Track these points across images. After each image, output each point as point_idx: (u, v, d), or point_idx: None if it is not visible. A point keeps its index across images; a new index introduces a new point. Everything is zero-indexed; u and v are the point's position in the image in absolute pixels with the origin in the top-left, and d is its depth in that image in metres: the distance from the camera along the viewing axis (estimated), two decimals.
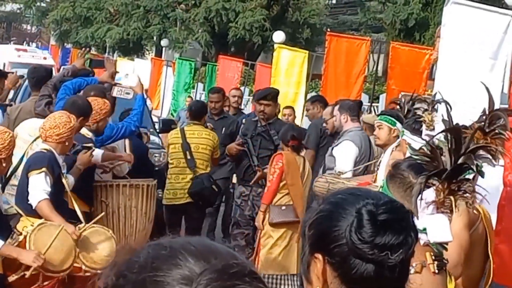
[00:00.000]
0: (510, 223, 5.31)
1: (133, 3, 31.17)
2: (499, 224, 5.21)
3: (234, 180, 9.44)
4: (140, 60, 29.78)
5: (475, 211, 3.99)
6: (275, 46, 15.07)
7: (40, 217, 5.40)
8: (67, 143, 5.75)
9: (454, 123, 3.17)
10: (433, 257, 2.72)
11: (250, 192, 8.34)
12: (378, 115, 6.87)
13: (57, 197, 5.57)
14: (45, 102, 7.26)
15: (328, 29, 18.78)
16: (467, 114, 5.21)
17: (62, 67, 19.10)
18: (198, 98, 18.63)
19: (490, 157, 3.05)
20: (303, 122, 12.43)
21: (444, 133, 2.97)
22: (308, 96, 12.80)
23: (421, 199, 2.73)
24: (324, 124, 8.29)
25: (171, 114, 20.51)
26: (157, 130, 11.75)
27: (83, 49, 8.92)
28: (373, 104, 15.55)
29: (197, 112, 8.76)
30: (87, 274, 5.37)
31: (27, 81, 9.39)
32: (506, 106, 7.24)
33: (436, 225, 2.71)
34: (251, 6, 28.54)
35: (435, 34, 13.41)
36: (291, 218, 7.25)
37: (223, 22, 28.69)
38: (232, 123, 9.27)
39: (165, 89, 22.49)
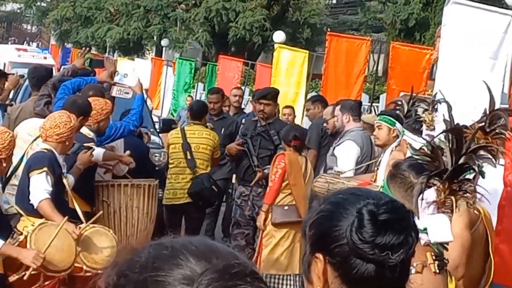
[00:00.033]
0: (511, 223, 5.31)
1: (133, 3, 31.17)
2: (499, 224, 5.21)
3: (233, 180, 9.44)
4: (141, 60, 29.78)
5: (475, 211, 3.99)
6: (275, 46, 15.06)
7: (40, 216, 5.40)
8: (67, 143, 5.75)
9: (455, 123, 3.18)
10: (434, 257, 2.72)
11: (250, 192, 8.33)
12: (377, 115, 6.87)
13: (58, 197, 5.58)
14: (44, 101, 7.27)
15: (328, 29, 18.77)
16: (467, 114, 5.22)
17: (62, 66, 19.09)
18: (198, 98, 18.62)
19: (491, 157, 3.05)
20: (303, 122, 12.42)
21: (445, 133, 2.97)
22: (308, 96, 12.79)
23: (422, 199, 2.73)
24: (325, 124, 8.30)
25: (171, 114, 20.51)
26: (157, 130, 11.75)
27: (83, 48, 8.93)
28: (373, 104, 15.55)
29: (198, 112, 8.75)
30: (88, 274, 5.37)
31: (27, 81, 9.42)
32: (507, 106, 7.24)
33: (437, 225, 2.71)
34: (251, 6, 28.54)
35: (436, 34, 13.40)
36: (294, 218, 7.25)
37: (223, 22, 28.69)
38: (231, 123, 9.27)
39: (165, 89, 22.48)
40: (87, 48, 9.56)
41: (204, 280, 1.20)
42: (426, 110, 5.01)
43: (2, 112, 8.40)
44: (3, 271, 5.07)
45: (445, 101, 4.14)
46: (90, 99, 6.57)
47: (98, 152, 6.53)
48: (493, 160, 3.08)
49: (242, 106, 11.45)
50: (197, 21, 29.18)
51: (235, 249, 1.35)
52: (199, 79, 23.75)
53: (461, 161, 2.83)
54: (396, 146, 5.91)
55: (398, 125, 6.04)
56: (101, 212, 6.18)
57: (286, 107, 10.70)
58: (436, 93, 5.83)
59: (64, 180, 5.75)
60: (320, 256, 1.86)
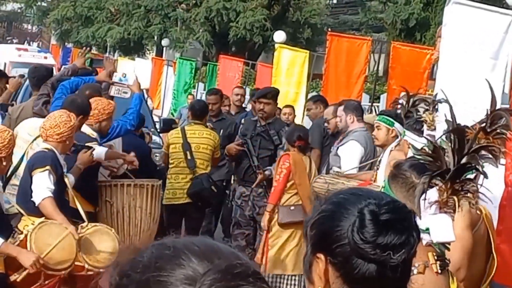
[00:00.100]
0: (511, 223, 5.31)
1: (134, 3, 31.18)
2: (500, 224, 5.21)
3: (231, 181, 9.42)
4: (141, 60, 29.79)
5: (477, 211, 3.99)
6: (276, 46, 15.06)
7: (41, 216, 5.40)
8: (67, 142, 5.75)
9: (457, 123, 3.17)
10: (436, 257, 2.72)
11: (250, 192, 8.33)
12: (377, 115, 6.89)
13: (59, 196, 5.58)
14: (42, 101, 7.28)
15: (329, 29, 18.76)
16: (468, 114, 5.21)
17: (63, 66, 19.09)
18: (198, 98, 18.61)
19: (493, 157, 3.05)
20: (303, 122, 12.42)
21: (447, 133, 2.97)
22: (309, 96, 12.79)
23: (424, 199, 2.73)
24: (326, 124, 8.30)
25: (171, 113, 20.50)
26: (158, 130, 11.75)
27: (84, 48, 8.94)
28: (374, 104, 15.56)
29: (200, 112, 8.71)
30: (90, 273, 5.38)
31: (27, 80, 9.44)
32: (507, 106, 7.24)
33: (439, 225, 2.71)
34: (252, 6, 28.54)
35: (436, 34, 13.39)
36: (300, 218, 7.25)
37: (223, 22, 28.69)
38: (230, 124, 9.26)
39: (165, 89, 22.48)
40: (88, 48, 9.58)
41: (206, 280, 1.20)
42: (427, 110, 5.02)
43: (3, 112, 8.40)
44: (4, 270, 5.08)
45: (446, 101, 4.15)
46: (92, 99, 6.59)
47: (100, 151, 6.53)
48: (495, 160, 3.08)
49: (244, 105, 11.45)
50: (198, 21, 29.18)
51: (236, 249, 1.35)
52: (200, 79, 23.74)
53: (463, 161, 2.83)
54: (395, 146, 5.91)
55: (397, 125, 6.05)
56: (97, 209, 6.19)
57: (286, 106, 10.70)
58: (436, 93, 5.83)
59: (66, 180, 5.76)
60: (321, 256, 1.86)
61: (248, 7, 28.47)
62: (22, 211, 5.49)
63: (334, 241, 1.83)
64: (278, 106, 9.41)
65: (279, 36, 16.55)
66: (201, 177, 8.36)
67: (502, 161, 4.28)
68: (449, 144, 2.85)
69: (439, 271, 2.69)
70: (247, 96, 13.28)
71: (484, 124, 3.72)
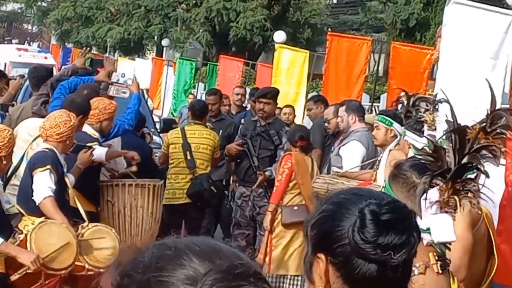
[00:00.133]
0: None
1: (134, 3, 31.17)
2: (500, 224, 5.21)
3: (231, 181, 9.41)
4: (141, 60, 29.79)
5: (478, 211, 3.98)
6: (276, 46, 15.06)
7: (41, 216, 5.40)
8: (67, 142, 5.76)
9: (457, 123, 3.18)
10: (436, 258, 2.72)
11: (251, 192, 8.32)
12: (376, 115, 6.90)
13: (60, 196, 5.58)
14: (41, 101, 7.29)
15: (329, 29, 18.77)
16: (468, 114, 5.21)
17: (63, 66, 19.10)
18: (199, 98, 18.61)
19: (493, 157, 3.05)
20: (303, 122, 12.43)
21: (448, 133, 2.97)
22: (309, 96, 12.79)
23: (425, 199, 2.73)
24: (326, 124, 8.31)
25: (171, 113, 20.50)
26: (158, 130, 11.75)
27: (84, 48, 8.94)
28: (374, 104, 15.56)
29: (200, 112, 8.68)
30: (90, 273, 5.38)
31: (28, 81, 9.46)
32: (507, 106, 7.24)
33: (439, 225, 2.71)
34: (252, 6, 28.53)
35: (436, 34, 13.40)
36: (304, 218, 7.22)
37: (224, 22, 28.68)
38: (230, 125, 9.26)
39: (166, 89, 22.47)
40: (88, 48, 9.59)
41: (207, 280, 1.21)
42: (427, 110, 5.02)
43: (4, 113, 8.42)
44: (5, 270, 5.08)
45: (446, 101, 4.15)
46: (94, 99, 6.61)
47: (101, 152, 6.53)
48: (496, 159, 3.09)
49: (244, 105, 11.45)
50: (198, 21, 29.17)
51: (237, 249, 1.35)
52: (200, 79, 23.74)
53: (464, 160, 2.83)
54: (395, 146, 5.92)
55: (395, 125, 6.07)
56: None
57: (286, 106, 10.70)
58: (437, 93, 5.83)
59: (66, 179, 5.76)
60: (322, 256, 1.86)
61: (248, 7, 28.47)
62: (22, 211, 5.49)
63: (335, 241, 1.83)
64: (278, 106, 9.41)
65: (279, 36, 16.54)
66: (200, 178, 8.34)
67: (502, 161, 4.29)
68: (450, 144, 2.86)
69: (440, 271, 2.70)
70: (248, 96, 13.27)
71: (484, 124, 3.72)
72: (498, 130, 3.73)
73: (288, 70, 13.85)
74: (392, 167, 3.13)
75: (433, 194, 2.77)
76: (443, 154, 2.82)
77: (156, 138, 10.64)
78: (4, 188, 5.73)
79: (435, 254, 2.73)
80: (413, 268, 2.11)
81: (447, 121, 3.32)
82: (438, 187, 2.78)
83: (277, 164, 7.71)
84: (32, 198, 5.47)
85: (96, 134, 6.65)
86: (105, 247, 5.52)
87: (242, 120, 8.93)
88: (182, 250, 1.26)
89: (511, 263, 5.23)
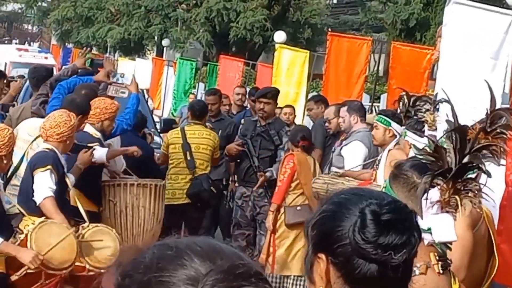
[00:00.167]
0: None
1: (134, 3, 31.16)
2: (501, 224, 5.22)
3: (230, 181, 9.39)
4: (141, 60, 29.77)
5: (479, 210, 3.98)
6: (276, 46, 15.04)
7: (42, 216, 5.41)
8: (68, 142, 5.76)
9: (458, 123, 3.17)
10: (437, 258, 2.72)
11: (251, 193, 8.32)
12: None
13: (60, 196, 5.59)
14: (40, 101, 7.31)
15: (329, 29, 18.76)
16: (467, 114, 5.21)
17: (63, 67, 19.11)
18: (199, 98, 18.60)
19: (494, 156, 3.06)
20: (303, 122, 12.43)
21: (448, 133, 2.97)
22: (309, 96, 12.79)
23: (426, 198, 2.73)
24: (327, 124, 8.31)
25: (171, 114, 20.50)
26: (159, 130, 11.75)
27: (84, 49, 8.94)
28: (374, 104, 15.56)
29: (199, 112, 8.67)
30: (91, 273, 5.38)
31: (28, 81, 9.48)
32: (508, 106, 7.24)
33: (440, 225, 2.71)
34: (252, 6, 28.52)
35: (436, 34, 13.41)
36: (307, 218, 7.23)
37: (224, 22, 28.67)
38: (229, 125, 9.25)
39: (166, 89, 22.46)
40: (88, 48, 9.59)
41: (208, 280, 1.21)
42: (427, 110, 5.02)
43: (4, 113, 8.43)
44: (5, 270, 5.08)
45: (447, 100, 4.15)
46: (96, 98, 6.63)
47: (101, 153, 6.54)
48: (496, 159, 3.09)
49: (245, 105, 11.45)
50: (198, 21, 29.16)
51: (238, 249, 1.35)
52: (200, 79, 23.73)
53: (465, 160, 2.83)
54: (394, 145, 5.93)
55: (394, 125, 6.09)
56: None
57: (287, 106, 10.70)
58: (437, 93, 5.84)
59: (67, 179, 5.77)
60: (322, 256, 1.86)
61: (249, 7, 28.46)
62: (23, 211, 5.49)
63: (335, 241, 1.83)
64: (279, 106, 9.41)
65: (279, 36, 16.53)
66: (200, 178, 8.32)
67: (503, 161, 4.29)
68: (451, 143, 2.86)
69: (441, 271, 2.70)
70: (247, 96, 13.26)
71: (484, 124, 3.72)
72: (498, 130, 3.73)
73: (288, 70, 13.84)
74: (393, 167, 3.13)
75: (434, 194, 2.77)
76: (444, 154, 2.82)
77: (156, 139, 10.64)
78: (5, 188, 5.73)
79: (436, 254, 2.73)
80: (414, 268, 2.11)
81: (447, 121, 3.32)
82: (439, 187, 2.78)
83: (279, 164, 7.72)
84: (33, 198, 5.47)
85: (98, 134, 6.66)
86: (106, 248, 5.52)
87: (242, 120, 8.92)
88: (183, 250, 1.26)
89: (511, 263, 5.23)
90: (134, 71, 21.72)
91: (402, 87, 7.10)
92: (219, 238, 9.53)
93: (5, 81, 9.52)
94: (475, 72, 6.85)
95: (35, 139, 6.09)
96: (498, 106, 4.00)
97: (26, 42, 47.28)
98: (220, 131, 9.08)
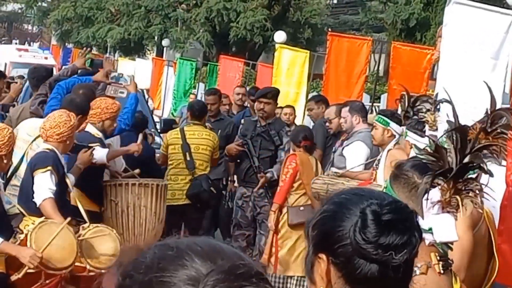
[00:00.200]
0: None
1: (134, 3, 31.16)
2: (501, 224, 5.22)
3: (229, 181, 9.38)
4: (141, 60, 29.77)
5: (479, 210, 3.98)
6: (276, 46, 15.04)
7: (42, 216, 5.41)
8: (68, 142, 5.76)
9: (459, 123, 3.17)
10: (438, 258, 2.72)
11: (251, 193, 8.31)
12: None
13: (60, 196, 5.59)
14: (39, 101, 7.32)
15: (329, 29, 18.77)
16: (467, 114, 5.21)
17: (63, 67, 19.11)
18: (199, 98, 18.60)
19: (495, 155, 3.05)
20: (304, 122, 12.42)
21: (449, 133, 2.97)
22: (309, 96, 12.79)
23: (427, 199, 2.73)
24: (327, 124, 8.31)
25: (171, 114, 20.50)
26: (159, 130, 11.75)
27: (84, 49, 8.94)
28: (374, 104, 15.56)
29: (199, 112, 8.64)
30: (92, 273, 5.38)
31: (28, 81, 9.49)
32: (508, 106, 7.24)
33: (441, 225, 2.71)
34: (252, 6, 28.52)
35: (437, 34, 13.40)
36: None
37: (224, 22, 28.67)
38: (229, 125, 9.24)
39: (166, 89, 22.47)
40: (88, 49, 9.59)
41: (209, 280, 1.21)
42: (428, 110, 5.02)
43: (4, 113, 8.44)
44: (5, 270, 5.08)
45: (448, 100, 4.14)
46: (97, 98, 6.64)
47: (102, 154, 6.54)
48: (497, 158, 3.09)
49: (245, 105, 11.45)
50: (198, 21, 29.16)
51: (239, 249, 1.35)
52: (200, 79, 23.73)
53: (466, 160, 2.82)
54: (394, 145, 5.93)
55: (393, 125, 6.10)
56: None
57: (287, 106, 10.69)
58: (437, 93, 5.84)
59: (67, 180, 5.76)
60: (323, 256, 1.86)
61: (249, 7, 28.46)
62: (23, 211, 5.49)
63: (336, 241, 1.83)
64: (279, 106, 9.40)
65: (280, 36, 16.53)
66: (200, 179, 8.29)
67: (503, 162, 4.29)
68: (451, 143, 2.86)
69: (442, 271, 2.69)
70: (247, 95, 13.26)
71: (484, 124, 3.72)
72: (498, 130, 3.73)
73: (288, 70, 13.84)
74: (393, 168, 3.13)
75: (435, 194, 2.76)
76: (444, 154, 2.82)
77: (156, 139, 10.64)
78: (5, 189, 5.73)
79: (437, 254, 2.73)
80: (415, 268, 2.11)
81: (448, 121, 3.31)
82: (439, 187, 2.78)
83: (279, 165, 7.73)
84: (33, 199, 5.47)
85: (99, 134, 6.67)
86: (106, 248, 5.52)
87: (242, 120, 8.91)
88: (183, 251, 1.26)
89: None
90: (134, 71, 21.73)
91: (401, 85, 7.11)
92: (219, 238, 9.53)
93: (4, 81, 9.55)
94: (475, 72, 6.85)
95: (34, 139, 6.09)
96: (498, 106, 4.00)
97: (26, 42, 47.27)
98: (219, 131, 9.06)
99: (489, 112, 3.85)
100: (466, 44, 7.02)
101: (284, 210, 7.47)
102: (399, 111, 6.05)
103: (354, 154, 7.09)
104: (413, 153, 3.76)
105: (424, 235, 1.99)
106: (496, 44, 7.06)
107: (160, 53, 32.61)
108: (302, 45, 23.25)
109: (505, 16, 7.17)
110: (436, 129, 4.87)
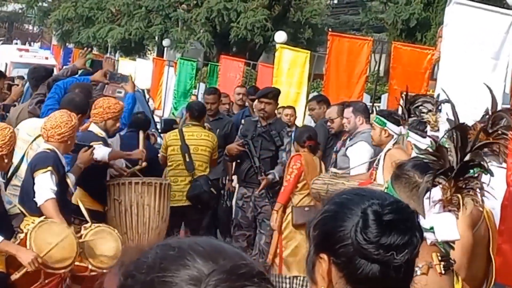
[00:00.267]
0: None
1: (135, 3, 31.15)
2: (502, 224, 5.22)
3: (227, 181, 9.38)
4: (142, 60, 29.76)
5: (480, 208, 3.99)
6: (277, 46, 15.05)
7: (43, 216, 5.41)
8: (69, 142, 5.76)
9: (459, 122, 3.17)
10: (440, 258, 2.72)
11: (252, 193, 8.31)
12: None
13: (61, 196, 5.59)
14: (36, 100, 7.32)
15: (330, 29, 18.76)
16: (468, 115, 5.21)
17: (64, 67, 19.11)
18: (200, 99, 18.60)
19: (495, 154, 3.06)
20: (304, 122, 12.43)
21: (449, 132, 2.97)
22: (310, 96, 12.79)
23: (428, 198, 2.73)
24: (329, 124, 8.31)
25: (172, 114, 20.50)
26: (159, 131, 11.75)
27: (85, 49, 8.94)
28: (375, 104, 15.56)
29: (198, 113, 8.61)
30: (93, 273, 5.38)
31: (28, 82, 9.50)
32: (508, 106, 7.25)
33: (443, 224, 2.71)
34: (253, 6, 28.51)
35: (437, 34, 13.40)
36: None
37: (224, 22, 28.66)
38: (227, 124, 9.23)
39: (167, 89, 22.47)
40: (89, 49, 9.59)
41: (211, 280, 1.21)
42: (430, 111, 5.03)
43: (5, 113, 8.45)
44: (5, 270, 5.08)
45: (448, 100, 4.15)
46: (100, 98, 6.65)
47: (104, 153, 6.54)
48: (498, 157, 3.09)
49: (246, 104, 11.45)
50: (199, 21, 29.15)
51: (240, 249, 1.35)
52: (201, 79, 23.73)
53: (466, 158, 2.83)
54: (393, 145, 5.94)
55: (389, 125, 6.12)
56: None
57: (288, 107, 10.69)
58: (438, 94, 5.84)
59: (68, 180, 5.77)
60: (324, 256, 1.86)
61: (249, 8, 28.45)
62: (24, 211, 5.50)
63: (337, 241, 1.83)
64: (279, 105, 9.39)
65: (280, 36, 16.53)
66: (200, 180, 8.27)
67: (503, 164, 4.29)
68: (452, 142, 2.86)
69: (443, 271, 2.69)
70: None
71: (485, 125, 3.73)
72: (499, 131, 3.73)
73: (289, 70, 13.85)
74: (394, 168, 3.13)
75: (436, 193, 2.76)
76: (445, 153, 2.82)
77: (158, 139, 10.64)
78: (5, 188, 5.74)
79: (438, 254, 2.73)
80: (416, 269, 2.11)
81: (448, 119, 3.32)
82: (441, 186, 2.78)
83: (280, 166, 7.74)
84: (34, 199, 5.47)
85: (102, 134, 6.68)
86: (108, 248, 5.52)
87: (243, 121, 8.90)
88: (185, 251, 1.27)
89: None
90: (135, 71, 21.74)
91: (403, 87, 7.11)
92: (218, 238, 9.52)
93: (5, 81, 9.56)
94: (475, 72, 6.86)
95: (34, 139, 6.10)
96: (499, 106, 4.01)
97: (27, 43, 47.28)
98: (218, 130, 9.05)
99: (489, 112, 3.86)
100: (467, 44, 7.03)
101: (288, 210, 7.48)
102: (400, 112, 6.05)
103: (357, 154, 7.10)
104: (414, 153, 3.76)
105: (425, 234, 2.00)
106: (497, 44, 7.06)
107: (160, 53, 32.60)
108: (302, 45, 23.24)
109: (505, 16, 7.18)
110: (438, 130, 4.87)
